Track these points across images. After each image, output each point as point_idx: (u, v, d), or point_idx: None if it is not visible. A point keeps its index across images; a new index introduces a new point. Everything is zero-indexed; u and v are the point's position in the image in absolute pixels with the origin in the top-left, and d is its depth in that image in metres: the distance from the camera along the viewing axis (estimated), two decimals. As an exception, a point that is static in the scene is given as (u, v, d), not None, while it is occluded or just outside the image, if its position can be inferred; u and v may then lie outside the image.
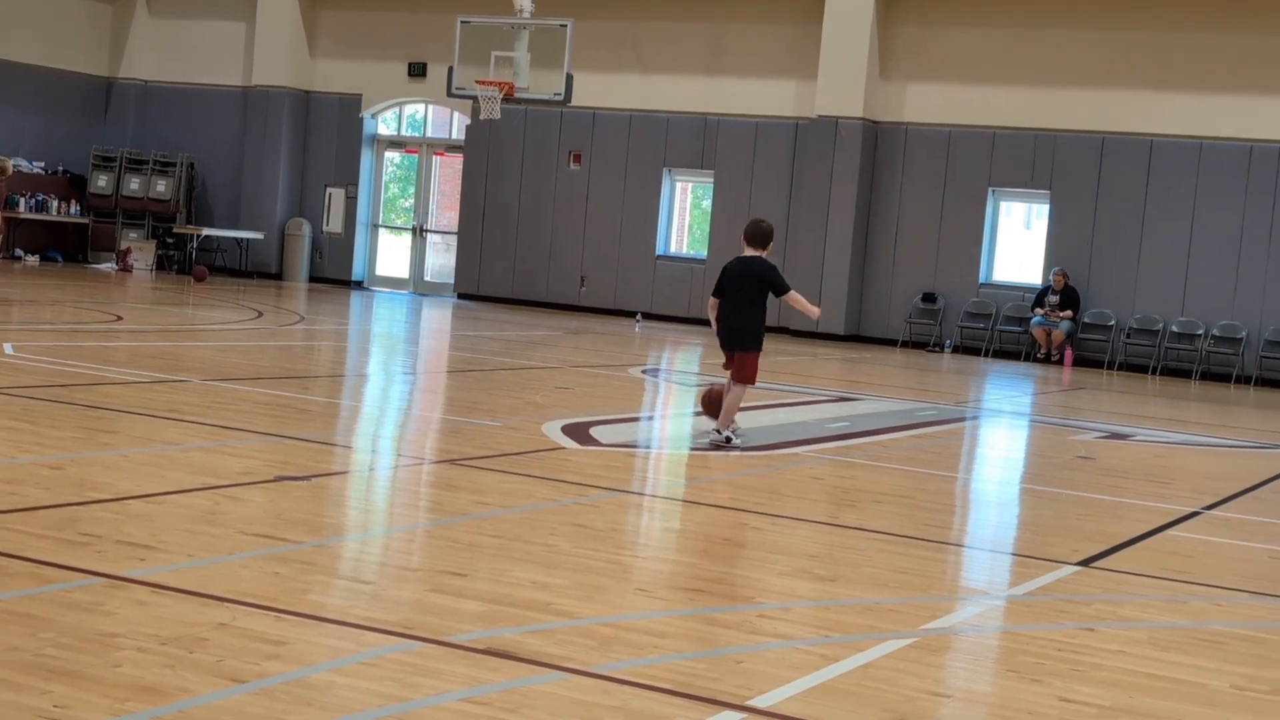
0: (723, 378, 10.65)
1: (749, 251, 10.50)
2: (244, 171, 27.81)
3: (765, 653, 5.02)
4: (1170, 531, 8.21)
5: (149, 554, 5.63)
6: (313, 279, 27.75)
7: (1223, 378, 21.58)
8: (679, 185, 25.72)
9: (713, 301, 10.56)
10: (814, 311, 11.03)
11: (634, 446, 10.28)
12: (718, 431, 10.15)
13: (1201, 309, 21.83)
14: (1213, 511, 9.09)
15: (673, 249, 25.72)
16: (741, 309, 10.31)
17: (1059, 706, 4.67)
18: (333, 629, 4.87)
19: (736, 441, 10.09)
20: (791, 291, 10.53)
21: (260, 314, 19.33)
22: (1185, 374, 21.75)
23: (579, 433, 10.17)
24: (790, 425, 12.09)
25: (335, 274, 27.81)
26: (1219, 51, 21.67)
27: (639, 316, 24.71)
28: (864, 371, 18.59)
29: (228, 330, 16.75)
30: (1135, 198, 22.21)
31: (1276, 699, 4.97)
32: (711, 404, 10.34)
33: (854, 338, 23.65)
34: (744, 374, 10.24)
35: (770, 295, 10.41)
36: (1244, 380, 21.50)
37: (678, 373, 17.06)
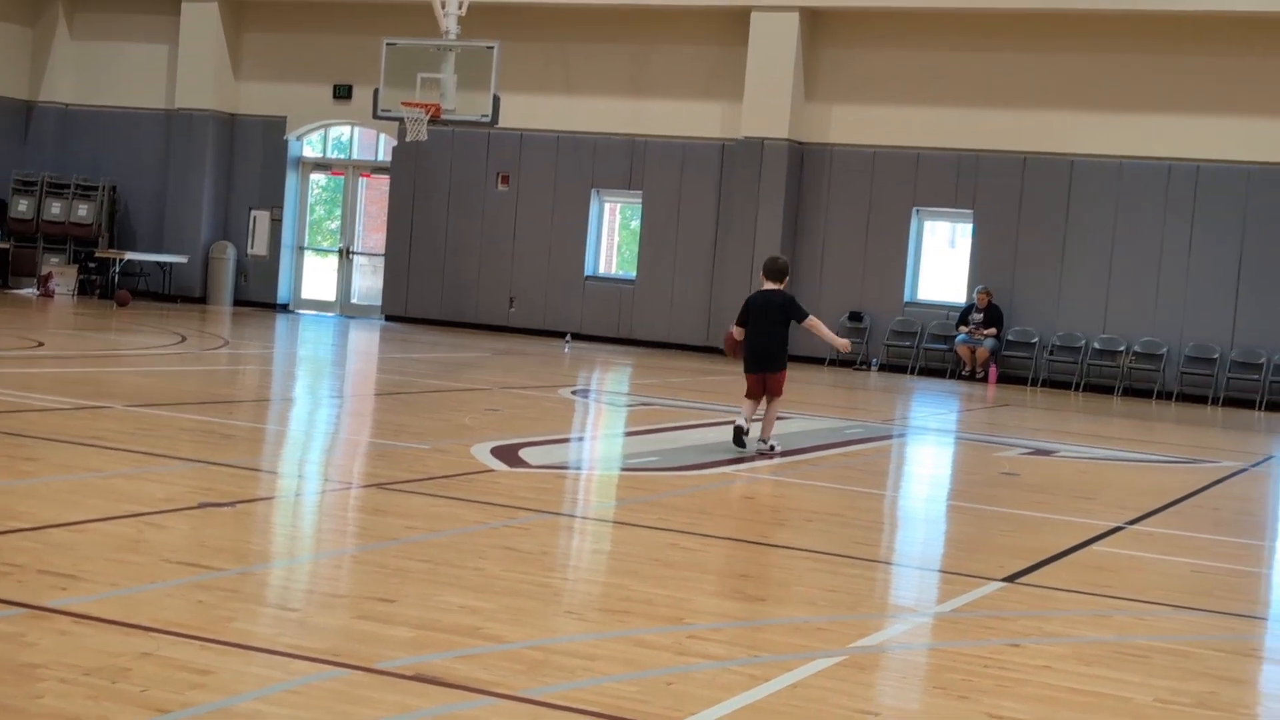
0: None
1: (768, 285, 11.70)
2: (167, 195, 27.56)
3: (695, 674, 5.02)
4: (1094, 547, 8.30)
5: (71, 583, 5.55)
6: (237, 302, 27.52)
7: (1144, 393, 21.85)
8: (607, 206, 25.76)
9: (737, 330, 11.62)
10: (841, 344, 12.29)
11: (564, 468, 10.26)
12: (763, 441, 11.41)
13: (1123, 326, 22.11)
14: (1136, 526, 9.20)
15: (601, 269, 25.73)
16: (769, 335, 11.49)
17: (986, 723, 4.71)
18: (259, 657, 4.83)
19: (777, 448, 11.40)
20: (811, 318, 11.63)
21: (184, 338, 19.15)
22: (1107, 390, 22.01)
23: (508, 455, 10.15)
24: (719, 444, 12.11)
25: (260, 297, 27.59)
26: (1137, 73, 21.99)
27: (568, 337, 24.70)
28: (792, 390, 18.59)
29: (151, 355, 16.58)
30: (1057, 216, 22.48)
31: (1199, 712, 5.03)
32: (733, 347, 11.76)
33: (782, 357, 23.71)
34: (776, 389, 11.62)
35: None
36: (1165, 396, 21.78)
37: (607, 393, 17.06)
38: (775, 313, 11.49)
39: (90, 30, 28.31)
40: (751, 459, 11.01)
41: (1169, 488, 11.56)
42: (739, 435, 11.32)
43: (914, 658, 5.65)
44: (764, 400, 11.59)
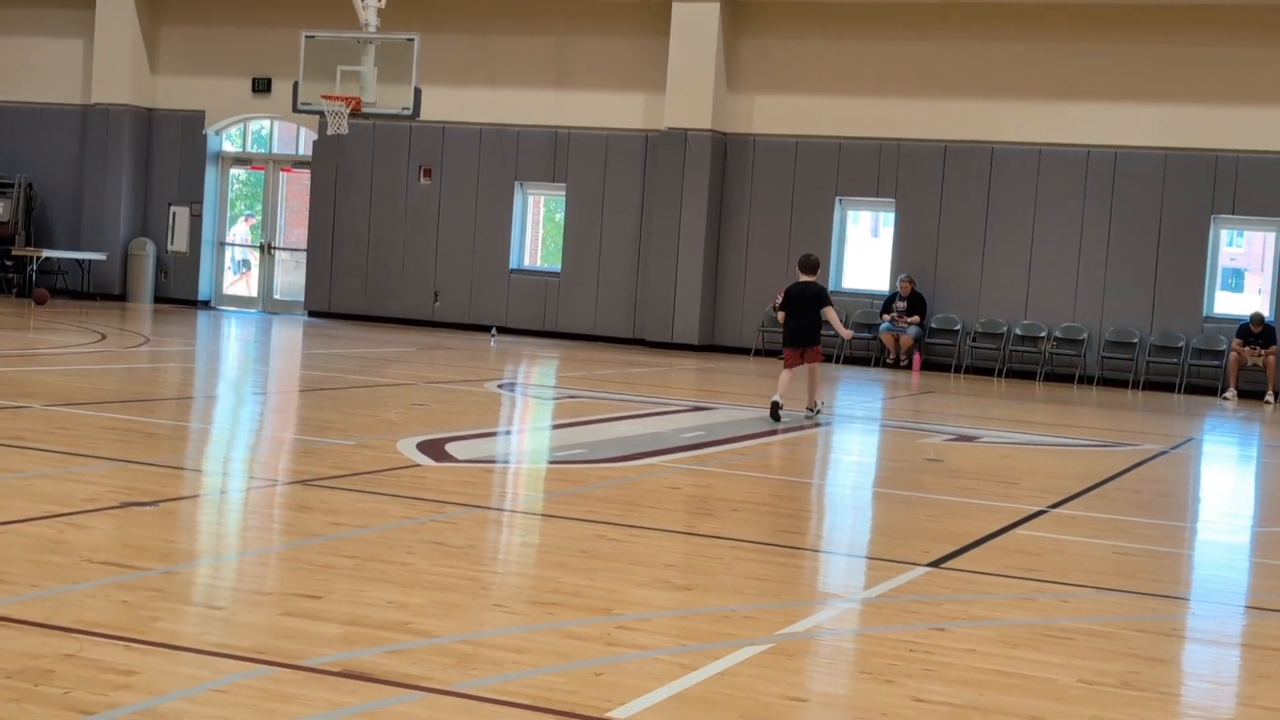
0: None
1: (804, 278, 14.16)
2: (85, 191, 27.21)
3: (624, 664, 5.03)
4: (1018, 530, 8.39)
5: (-9, 586, 5.48)
6: (158, 300, 27.22)
7: (1065, 378, 22.10)
8: (531, 198, 25.71)
9: (783, 314, 14.31)
10: (845, 333, 14.99)
11: (491, 462, 10.24)
12: (810, 409, 13.84)
13: (1044, 312, 22.36)
14: (1058, 510, 9.31)
15: (526, 262, 25.69)
16: (806, 318, 14.01)
17: (912, 706, 4.75)
18: (184, 657, 4.78)
19: (822, 408, 14.02)
20: (829, 307, 14.06)
21: (104, 337, 18.92)
22: (1030, 376, 22.25)
23: (435, 449, 10.12)
24: (646, 436, 12.14)
25: (181, 294, 27.31)
26: (1056, 61, 22.23)
27: (494, 331, 24.64)
28: (718, 381, 18.74)
29: (70, 354, 16.37)
30: (978, 204, 22.68)
31: (1122, 692, 5.10)
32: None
33: (708, 347, 23.81)
34: (814, 359, 14.12)
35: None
36: (1086, 380, 22.04)
37: (534, 387, 17.04)
38: (811, 300, 13.96)
39: (3, 25, 27.87)
40: (671, 450, 11.05)
41: (1090, 471, 11.71)
42: (775, 410, 13.35)
43: (841, 643, 5.69)
44: (795, 374, 13.89)
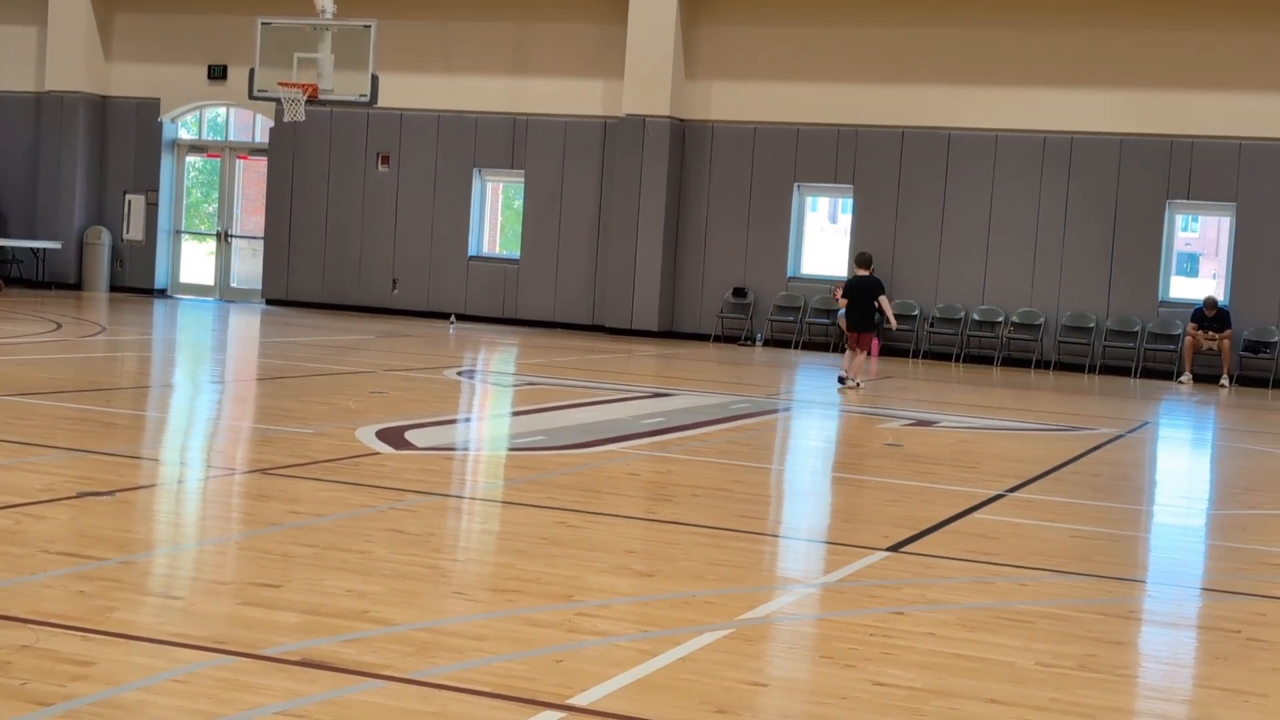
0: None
1: (860, 272, 16.75)
2: (39, 179, 26.96)
3: (585, 650, 5.04)
4: (976, 515, 8.43)
5: (-54, 578, 5.44)
6: (114, 288, 27.02)
7: (1023, 363, 22.22)
8: (490, 185, 25.64)
9: (844, 301, 16.83)
10: (892, 321, 17.40)
11: (450, 449, 10.23)
12: (854, 381, 16.24)
13: (1001, 297, 22.46)
14: (1016, 494, 9.36)
15: (485, 250, 25.62)
16: (864, 307, 16.41)
17: (872, 690, 4.77)
18: (142, 647, 4.76)
19: (862, 385, 16.49)
20: (882, 296, 16.54)
21: (60, 326, 18.78)
22: (987, 360, 22.35)
23: (394, 437, 10.09)
24: (606, 422, 12.14)
25: (137, 283, 27.11)
26: (1012, 47, 22.32)
27: (453, 318, 24.58)
28: (678, 367, 18.75)
29: (26, 343, 16.24)
30: (935, 189, 22.76)
31: (1080, 674, 5.14)
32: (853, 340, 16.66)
33: (667, 334, 23.82)
34: (868, 345, 16.90)
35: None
36: (1043, 365, 22.16)
37: (493, 374, 17.01)
38: (868, 290, 16.47)
39: (-46, 11, 27.59)
40: (631, 436, 11.06)
41: (1048, 455, 11.78)
42: (843, 380, 16.21)
43: (801, 628, 5.71)
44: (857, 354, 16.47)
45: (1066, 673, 5.13)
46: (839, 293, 16.67)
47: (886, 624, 5.65)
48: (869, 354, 17.46)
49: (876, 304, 16.40)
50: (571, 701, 4.43)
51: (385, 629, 5.12)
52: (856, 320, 16.55)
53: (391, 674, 4.59)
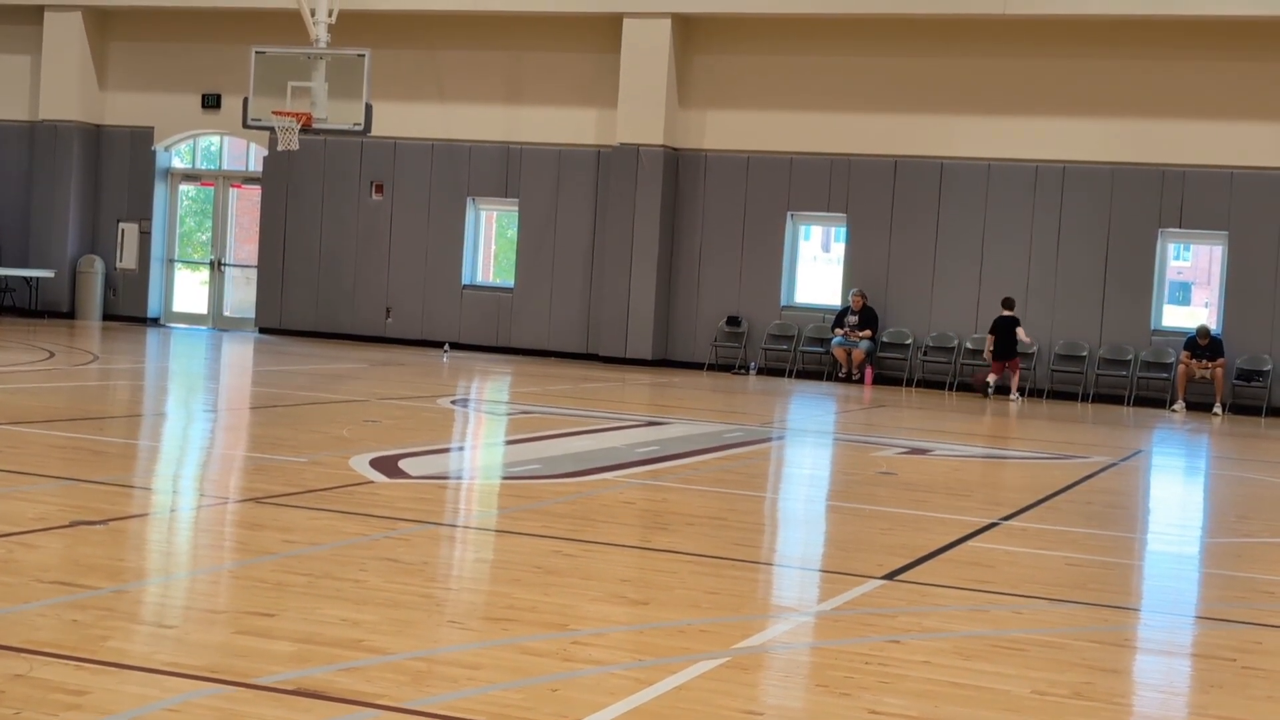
0: None
1: (1005, 313, 21.21)
2: (32, 208, 26.97)
3: (580, 679, 5.02)
4: (970, 543, 8.43)
5: (-61, 607, 5.42)
6: (107, 317, 27.00)
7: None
8: (484, 214, 25.67)
9: (990, 337, 21.23)
10: (1026, 340, 21.37)
11: (444, 478, 10.21)
12: (1015, 396, 21.17)
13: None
14: (1010, 522, 9.36)
15: (479, 278, 25.64)
16: (1008, 341, 21.09)
17: (869, 718, 4.76)
18: (136, 676, 4.74)
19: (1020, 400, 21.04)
20: (1020, 328, 21.10)
21: (52, 354, 18.76)
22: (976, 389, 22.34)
23: (388, 466, 10.08)
24: (600, 451, 12.13)
25: (130, 311, 27.10)
26: (1004, 76, 22.40)
27: (447, 347, 24.58)
28: (671, 395, 18.75)
29: (18, 372, 16.22)
30: (928, 218, 22.81)
31: (1075, 702, 5.13)
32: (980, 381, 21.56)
33: (661, 362, 23.83)
34: (1014, 368, 21.28)
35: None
36: (1035, 394, 22.18)
37: (487, 402, 17.00)
38: (1011, 329, 21.03)
39: (-51, 41, 27.62)
40: (626, 465, 11.06)
41: (1041, 484, 11.78)
42: (986, 388, 21.14)
43: (797, 657, 5.70)
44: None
45: (1062, 701, 5.12)
46: (989, 344, 21.27)
47: (882, 652, 5.64)
48: (1013, 373, 21.29)
49: (1017, 335, 21.01)
50: (567, 730, 4.42)
51: (380, 658, 5.11)
52: (1000, 351, 21.11)
53: (387, 703, 4.57)
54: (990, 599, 6.88)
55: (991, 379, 21.12)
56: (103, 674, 4.71)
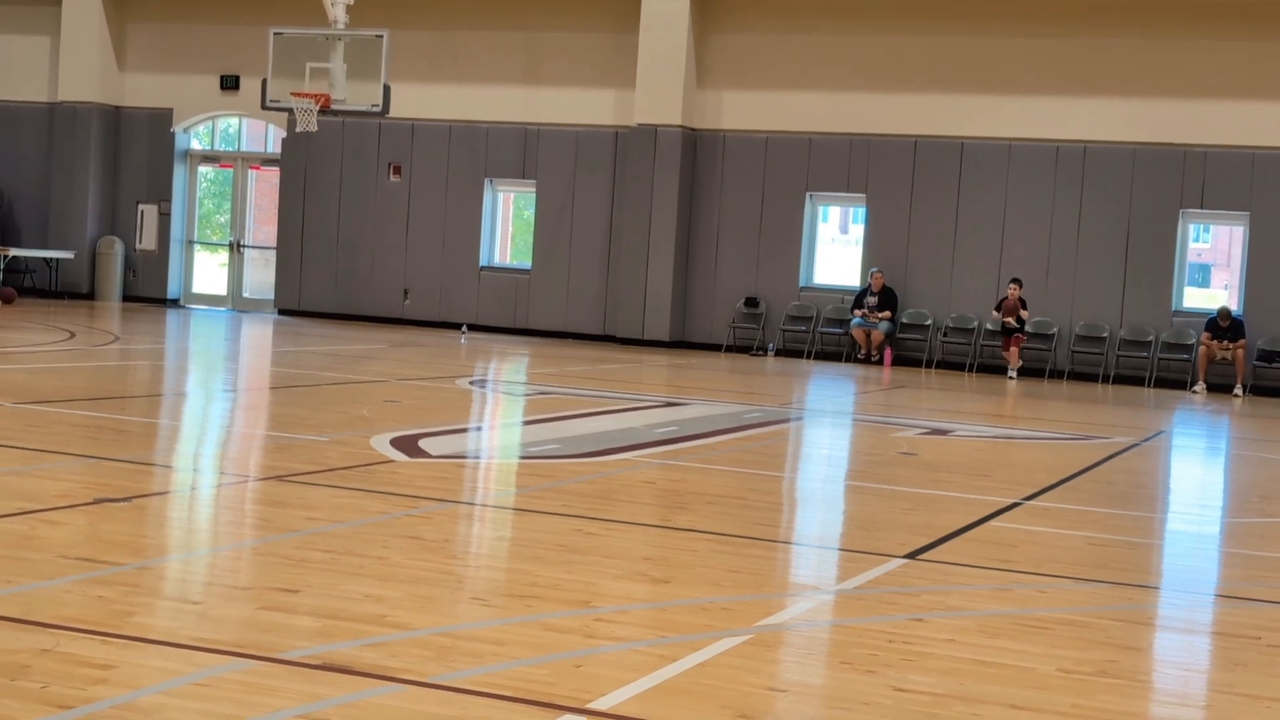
0: None
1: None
2: (52, 189, 27.03)
3: (603, 655, 5.02)
4: (992, 522, 8.41)
5: (-36, 582, 5.44)
6: (127, 298, 27.08)
7: (1036, 373, 22.17)
8: (501, 195, 25.66)
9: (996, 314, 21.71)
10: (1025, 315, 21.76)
11: (464, 457, 10.22)
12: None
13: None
14: (1032, 502, 9.33)
15: (497, 260, 25.64)
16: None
17: (893, 696, 4.75)
18: (161, 650, 4.75)
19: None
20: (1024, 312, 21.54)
21: (73, 335, 18.81)
22: (1000, 370, 22.30)
23: (408, 445, 10.09)
24: (619, 431, 12.13)
25: (150, 292, 27.17)
26: (1025, 55, 22.31)
27: (465, 328, 24.59)
28: (690, 377, 18.74)
29: (39, 352, 16.27)
30: (948, 198, 22.74)
31: (1100, 680, 5.11)
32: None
33: (679, 344, 23.82)
34: (1018, 343, 21.60)
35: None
36: (1056, 375, 22.12)
37: (505, 383, 17.01)
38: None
39: (-32, 22, 27.67)
40: (645, 445, 11.05)
41: (1062, 464, 11.75)
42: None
43: (819, 634, 5.69)
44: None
45: (1087, 679, 5.11)
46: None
47: (906, 630, 5.63)
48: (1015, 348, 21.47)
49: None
50: (591, 706, 4.42)
51: (404, 633, 5.11)
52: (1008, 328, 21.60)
53: (411, 678, 4.57)
54: (1013, 578, 6.87)
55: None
56: (128, 649, 4.72)
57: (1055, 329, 22.17)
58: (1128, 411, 17.63)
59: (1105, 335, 21.97)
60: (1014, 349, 21.57)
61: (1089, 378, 21.96)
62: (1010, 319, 21.57)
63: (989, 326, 22.20)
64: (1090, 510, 9.27)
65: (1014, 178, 22.41)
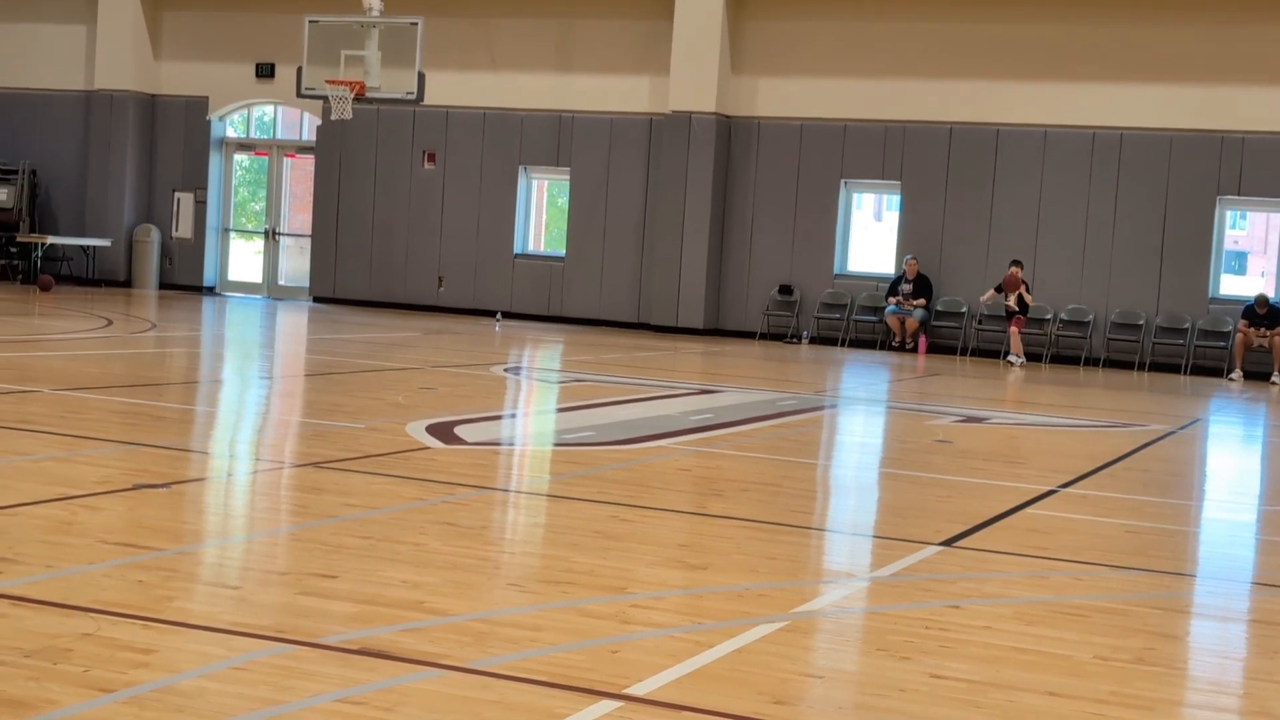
0: None
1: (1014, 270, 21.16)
2: (89, 178, 27.19)
3: (640, 641, 5.04)
4: (1029, 510, 8.39)
5: (7, 566, 5.48)
6: (163, 286, 27.22)
7: (1072, 360, 22.09)
8: (535, 183, 25.68)
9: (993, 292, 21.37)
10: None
11: (499, 444, 10.25)
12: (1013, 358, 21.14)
13: (1050, 294, 22.32)
14: (1068, 489, 9.30)
15: (531, 247, 25.67)
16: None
17: (929, 683, 4.75)
18: (201, 635, 4.79)
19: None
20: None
21: (110, 322, 18.93)
22: (1035, 358, 22.22)
23: (444, 432, 10.12)
24: (654, 418, 12.14)
25: (186, 280, 27.31)
26: (1061, 42, 22.18)
27: (499, 315, 24.64)
28: (724, 364, 18.73)
29: (77, 339, 16.37)
30: (983, 186, 22.64)
31: (1138, 667, 5.10)
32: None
33: (713, 331, 23.81)
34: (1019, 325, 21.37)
35: None
36: (1092, 362, 22.03)
37: (540, 370, 17.04)
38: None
39: (5, 11, 27.84)
40: (680, 433, 11.06)
41: (1099, 451, 11.70)
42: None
43: (855, 621, 5.69)
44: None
45: (1125, 666, 5.10)
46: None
47: (942, 617, 5.62)
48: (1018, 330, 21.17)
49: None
50: (628, 691, 4.43)
51: (441, 619, 5.13)
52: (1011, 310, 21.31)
53: (449, 663, 4.60)
54: (1050, 565, 6.85)
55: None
56: (169, 633, 4.76)
57: (1091, 316, 22.07)
58: (1164, 399, 17.54)
59: (1141, 322, 21.86)
60: (1015, 330, 21.27)
61: (1125, 365, 21.85)
62: (1011, 300, 21.30)
63: (983, 310, 22.10)
64: (1127, 498, 9.24)
65: (1050, 165, 22.30)
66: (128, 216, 27.11)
